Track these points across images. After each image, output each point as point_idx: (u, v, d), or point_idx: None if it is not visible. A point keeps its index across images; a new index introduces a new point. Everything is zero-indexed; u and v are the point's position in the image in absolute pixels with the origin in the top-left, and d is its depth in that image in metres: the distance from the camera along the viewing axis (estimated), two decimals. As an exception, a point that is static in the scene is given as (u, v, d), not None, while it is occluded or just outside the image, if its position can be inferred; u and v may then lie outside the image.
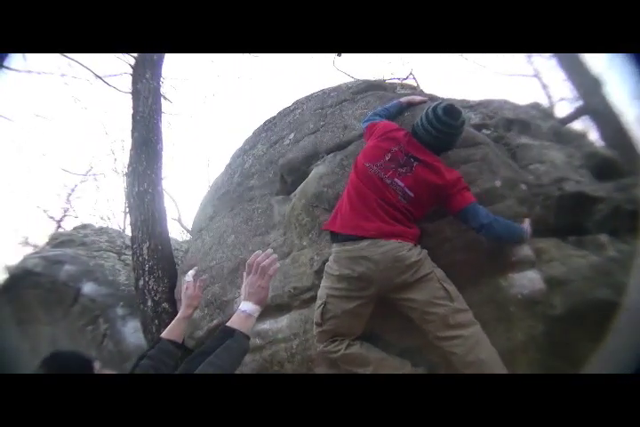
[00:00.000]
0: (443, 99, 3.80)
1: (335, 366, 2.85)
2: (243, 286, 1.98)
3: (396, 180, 2.71)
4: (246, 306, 1.91)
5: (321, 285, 2.86)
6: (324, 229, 2.95)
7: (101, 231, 7.30)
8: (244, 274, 1.99)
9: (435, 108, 2.76)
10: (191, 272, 2.53)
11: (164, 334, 2.30)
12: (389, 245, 2.61)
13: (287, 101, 4.55)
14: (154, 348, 2.22)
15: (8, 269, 6.25)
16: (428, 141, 2.76)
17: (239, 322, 1.88)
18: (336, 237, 2.80)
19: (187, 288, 2.42)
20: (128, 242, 5.86)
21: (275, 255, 1.99)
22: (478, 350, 2.49)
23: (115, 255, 6.37)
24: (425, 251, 2.70)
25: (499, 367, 2.45)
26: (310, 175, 3.39)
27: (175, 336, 2.28)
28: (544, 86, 11.67)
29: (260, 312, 1.95)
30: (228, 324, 1.89)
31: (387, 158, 2.76)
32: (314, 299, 3.08)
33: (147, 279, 4.57)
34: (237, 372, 1.90)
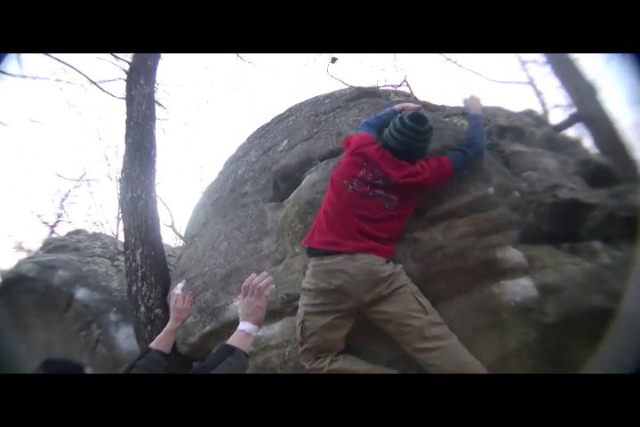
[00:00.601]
0: (436, 106, 3.81)
1: None
2: (240, 306, 2.08)
3: (377, 191, 2.77)
4: (245, 326, 2.00)
5: (299, 304, 2.89)
6: (304, 245, 2.97)
7: (95, 237, 7.29)
8: (240, 296, 2.10)
9: (401, 117, 2.86)
10: (180, 285, 2.55)
11: (152, 345, 2.33)
12: (364, 260, 2.68)
13: (281, 108, 4.55)
14: (143, 357, 2.25)
15: (2, 273, 6.23)
16: (399, 150, 2.82)
17: (238, 340, 1.97)
18: (313, 252, 2.86)
19: (175, 301, 2.45)
20: (121, 248, 5.85)
21: (270, 277, 2.11)
22: (458, 358, 2.52)
23: (108, 261, 6.36)
24: (400, 266, 2.75)
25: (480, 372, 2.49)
26: (303, 182, 3.38)
27: (163, 347, 2.32)
28: (538, 93, 11.68)
29: (257, 332, 2.05)
30: (228, 342, 1.96)
31: (361, 173, 2.80)
32: (307, 306, 3.08)
33: (140, 285, 4.55)
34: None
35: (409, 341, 2.61)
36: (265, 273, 2.14)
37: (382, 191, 2.76)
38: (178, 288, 2.51)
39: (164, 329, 2.41)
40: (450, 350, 2.53)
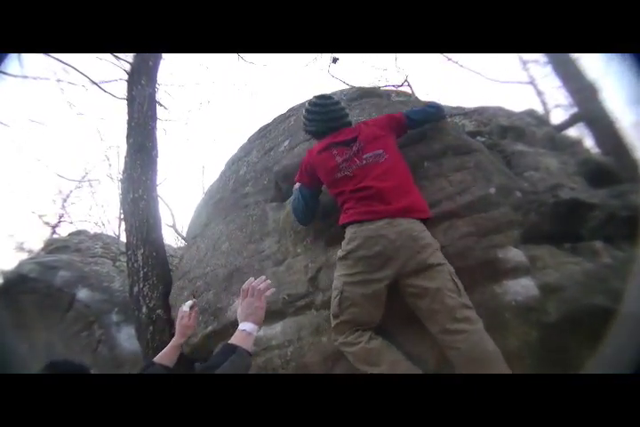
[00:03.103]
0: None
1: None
2: (239, 307, 2.12)
3: (363, 156, 2.89)
4: (246, 326, 2.03)
5: (335, 275, 2.83)
6: (340, 224, 2.92)
7: (96, 237, 7.29)
8: (240, 299, 2.14)
9: (308, 103, 3.23)
10: (189, 303, 2.56)
11: (156, 359, 2.35)
12: (405, 225, 2.67)
13: (282, 108, 4.55)
14: (146, 371, 2.28)
15: (3, 274, 6.23)
16: (331, 126, 3.10)
17: (241, 340, 1.99)
18: (351, 224, 2.83)
19: (182, 318, 2.47)
20: (123, 248, 5.85)
21: (269, 281, 2.17)
22: (483, 346, 2.47)
23: (109, 261, 6.36)
24: (437, 242, 2.73)
25: (502, 367, 2.44)
26: (305, 182, 3.35)
27: (167, 361, 2.34)
28: (539, 93, 11.68)
29: (257, 331, 2.08)
30: (230, 341, 1.98)
31: (339, 158, 2.93)
32: (308, 306, 3.08)
33: (141, 286, 4.55)
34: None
35: (438, 320, 2.56)
36: (264, 277, 2.19)
37: (366, 153, 2.88)
38: (186, 306, 2.53)
39: (169, 344, 2.44)
40: (476, 336, 2.49)
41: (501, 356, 2.46)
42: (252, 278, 2.18)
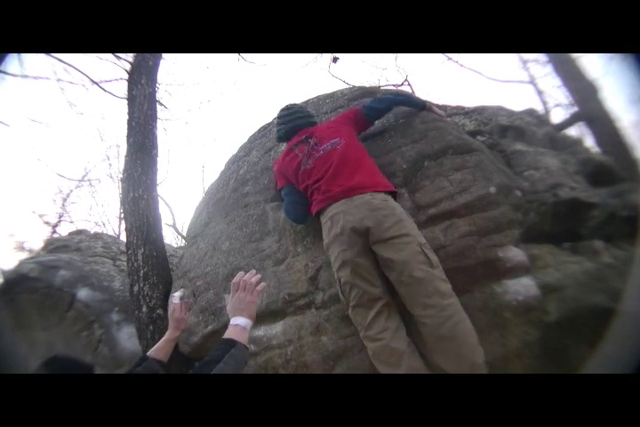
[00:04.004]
0: (437, 105, 3.82)
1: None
2: (229, 303, 2.06)
3: (320, 147, 3.06)
4: (239, 320, 1.97)
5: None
6: (312, 213, 3.03)
7: (96, 237, 7.29)
8: (229, 295, 2.10)
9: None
10: (177, 294, 2.56)
11: (150, 353, 2.33)
12: (362, 198, 2.75)
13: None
14: (140, 365, 2.25)
15: (3, 273, 6.24)
16: (291, 128, 3.40)
17: (236, 334, 1.93)
18: (319, 213, 2.95)
19: (173, 310, 2.46)
20: (123, 248, 5.87)
21: (259, 275, 2.12)
22: (453, 323, 2.42)
23: (110, 261, 6.36)
24: (402, 210, 2.78)
25: (475, 350, 2.39)
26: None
27: (162, 356, 2.33)
28: (539, 92, 11.71)
29: (250, 326, 2.00)
30: (226, 336, 1.93)
31: (301, 156, 3.12)
32: (308, 305, 3.09)
33: (141, 285, 4.55)
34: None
35: (408, 292, 2.55)
36: (254, 271, 2.15)
37: (323, 144, 3.07)
38: (175, 297, 2.52)
39: (163, 338, 2.42)
40: (447, 312, 2.44)
41: (476, 338, 2.43)
42: (242, 273, 2.14)
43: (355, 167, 2.89)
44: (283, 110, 3.58)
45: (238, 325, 1.96)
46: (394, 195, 2.88)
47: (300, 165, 3.07)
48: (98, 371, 1.94)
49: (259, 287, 2.09)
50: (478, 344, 2.41)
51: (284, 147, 3.85)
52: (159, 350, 2.34)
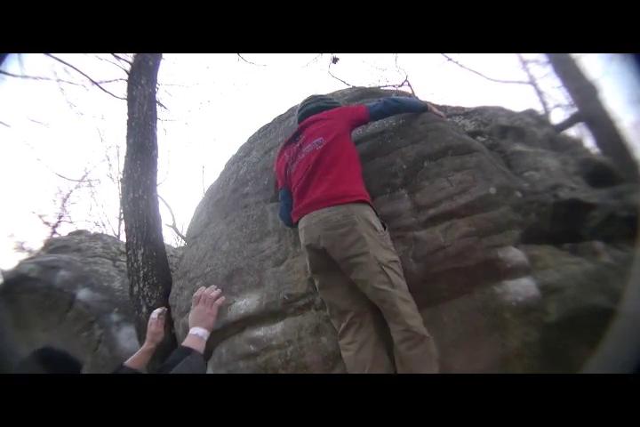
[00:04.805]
0: (437, 106, 3.82)
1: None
2: (190, 314, 2.21)
3: (303, 149, 2.98)
4: (197, 330, 2.11)
5: None
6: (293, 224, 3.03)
7: (96, 237, 7.28)
8: (192, 306, 2.24)
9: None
10: (158, 310, 2.64)
11: (127, 362, 2.42)
12: (318, 216, 2.71)
13: (282, 108, 4.56)
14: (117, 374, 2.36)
15: (3, 274, 6.23)
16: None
17: (193, 343, 2.05)
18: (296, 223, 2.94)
19: (150, 324, 2.56)
20: (123, 248, 5.86)
21: (219, 290, 2.27)
22: (412, 344, 2.47)
23: (109, 261, 6.36)
24: (367, 224, 2.67)
25: (427, 369, 2.45)
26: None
27: (137, 365, 2.41)
28: (539, 93, 11.72)
29: (207, 336, 2.14)
30: (184, 344, 2.05)
31: (287, 158, 3.08)
32: (308, 306, 3.09)
33: (141, 286, 4.55)
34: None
35: (380, 308, 2.59)
36: (214, 286, 2.30)
37: (306, 146, 2.98)
38: (155, 313, 2.61)
39: (140, 349, 2.50)
40: (409, 333, 2.46)
41: (434, 358, 2.49)
42: (203, 287, 2.28)
43: (323, 174, 2.81)
44: (305, 100, 3.51)
45: (196, 334, 2.08)
46: (367, 203, 2.79)
47: (287, 169, 3.06)
48: (87, 367, 2.01)
49: (218, 301, 2.22)
50: (434, 364, 2.47)
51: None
52: (135, 360, 2.43)
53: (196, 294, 2.24)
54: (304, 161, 2.91)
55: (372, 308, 2.68)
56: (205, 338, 2.11)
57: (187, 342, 2.05)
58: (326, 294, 2.79)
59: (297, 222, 2.90)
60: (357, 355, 2.64)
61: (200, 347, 2.04)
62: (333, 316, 2.79)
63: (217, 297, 2.23)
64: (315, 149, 2.89)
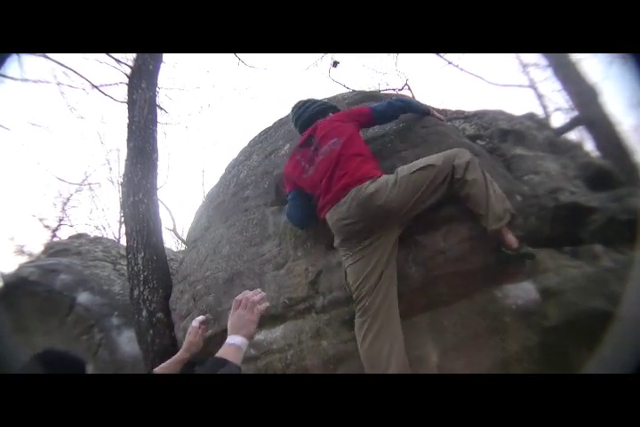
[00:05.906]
0: (437, 109, 3.82)
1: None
2: (229, 320, 1.96)
3: (320, 151, 2.99)
4: (236, 339, 1.86)
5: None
6: (313, 218, 3.08)
7: (96, 241, 7.29)
8: (231, 310, 1.98)
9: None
10: (200, 318, 2.46)
11: (157, 370, 2.27)
12: (352, 194, 2.74)
13: (283, 112, 4.56)
14: None
15: (3, 277, 6.23)
16: (307, 119, 3.34)
17: (230, 354, 1.81)
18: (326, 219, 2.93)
19: (189, 333, 2.39)
20: (123, 252, 5.86)
21: (263, 293, 2.01)
22: None
23: (110, 265, 6.36)
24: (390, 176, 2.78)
25: None
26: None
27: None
28: (539, 97, 11.72)
29: (247, 346, 1.90)
30: (218, 355, 1.81)
31: (303, 163, 3.08)
32: (308, 309, 3.09)
33: (142, 289, 4.55)
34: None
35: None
36: (259, 289, 2.05)
37: (322, 147, 3.00)
38: (196, 321, 2.44)
39: (173, 358, 2.33)
40: None
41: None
42: (247, 290, 2.02)
43: (342, 168, 2.86)
44: (291, 110, 3.55)
45: (234, 344, 1.84)
46: None
47: (304, 172, 3.04)
48: (90, 368, 1.91)
49: (261, 307, 1.96)
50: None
51: (284, 150, 3.86)
52: (166, 369, 2.26)
53: (238, 297, 1.98)
54: (325, 161, 2.92)
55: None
56: (244, 348, 1.85)
57: (223, 353, 1.80)
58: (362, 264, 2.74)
59: (324, 218, 2.91)
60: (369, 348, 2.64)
61: (237, 358, 1.79)
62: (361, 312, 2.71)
63: (260, 301, 1.97)
64: (333, 149, 2.92)
